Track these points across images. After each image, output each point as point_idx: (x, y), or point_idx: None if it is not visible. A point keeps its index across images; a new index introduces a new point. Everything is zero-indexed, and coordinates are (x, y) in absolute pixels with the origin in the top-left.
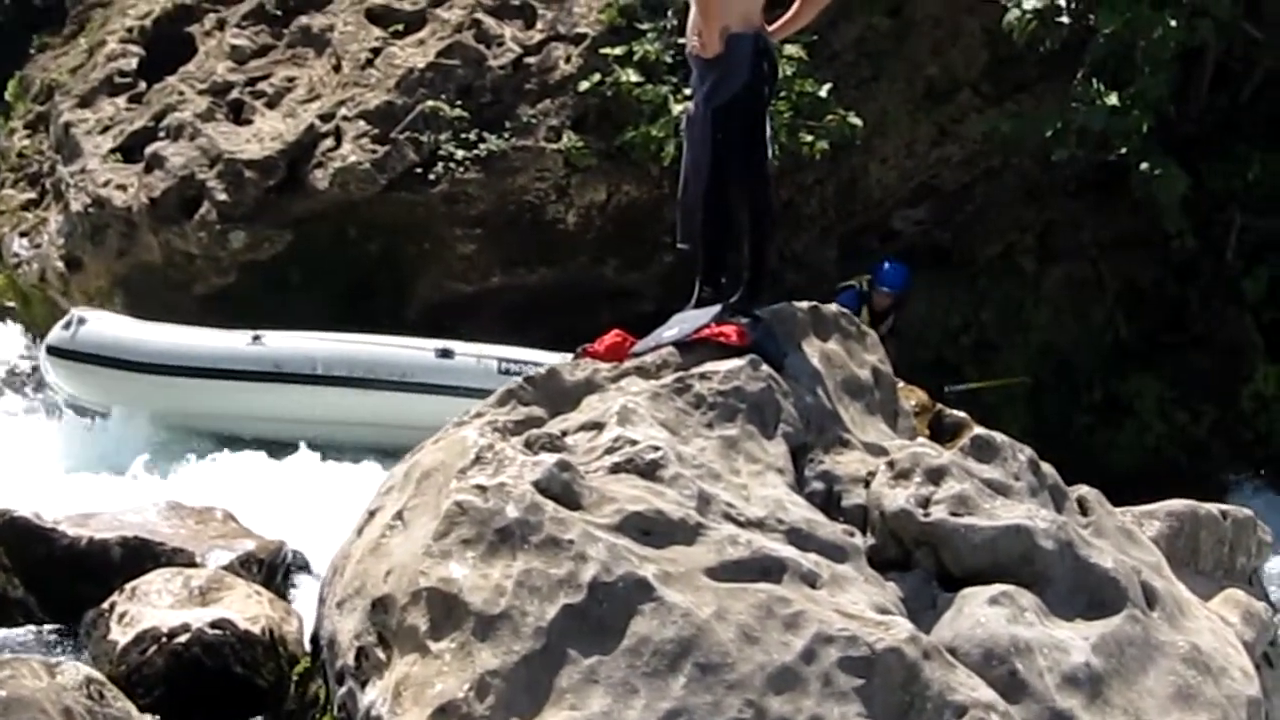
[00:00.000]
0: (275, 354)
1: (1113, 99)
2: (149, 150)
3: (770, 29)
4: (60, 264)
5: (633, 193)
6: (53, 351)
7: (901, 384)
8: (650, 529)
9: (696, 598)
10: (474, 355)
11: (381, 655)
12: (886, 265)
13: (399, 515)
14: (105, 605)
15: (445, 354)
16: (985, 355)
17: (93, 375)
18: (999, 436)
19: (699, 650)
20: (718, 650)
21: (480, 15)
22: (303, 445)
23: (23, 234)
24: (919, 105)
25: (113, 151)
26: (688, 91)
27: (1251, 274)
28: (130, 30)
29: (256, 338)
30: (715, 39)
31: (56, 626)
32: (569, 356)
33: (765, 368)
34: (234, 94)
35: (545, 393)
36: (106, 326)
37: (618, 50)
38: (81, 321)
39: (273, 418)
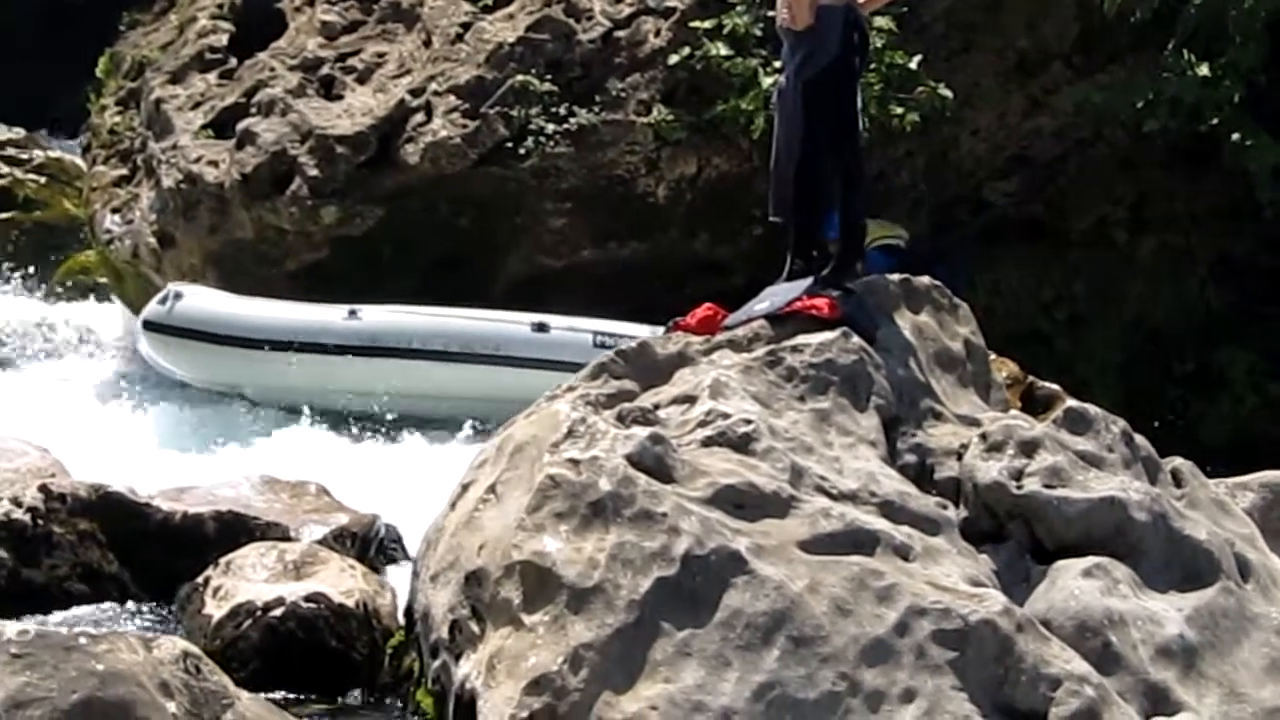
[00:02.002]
0: (371, 328)
1: (1204, 69)
2: (240, 126)
3: (861, 1)
4: (152, 240)
5: (723, 166)
6: (149, 326)
7: (993, 356)
8: (743, 502)
9: (789, 570)
10: (568, 329)
11: (475, 628)
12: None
13: (492, 489)
14: (200, 580)
15: (540, 328)
16: (1078, 328)
17: (188, 350)
18: (1092, 409)
19: (792, 623)
20: (811, 623)
21: None
22: (395, 420)
23: (115, 210)
24: (1010, 77)
25: (204, 128)
26: (777, 64)
27: None
28: (220, 6)
29: (352, 312)
30: (805, 11)
31: (151, 601)
32: (662, 330)
33: (857, 340)
34: (325, 69)
35: (637, 366)
36: (202, 301)
37: (707, 23)
38: (178, 296)
39: (368, 392)
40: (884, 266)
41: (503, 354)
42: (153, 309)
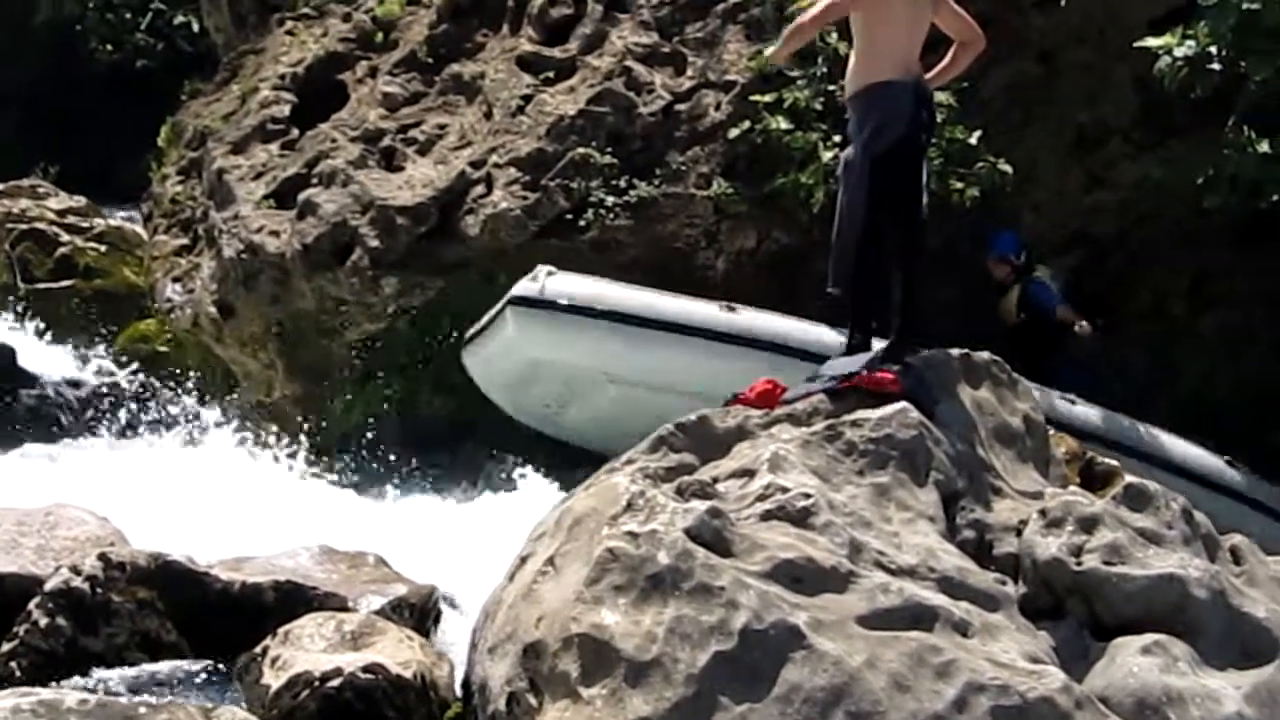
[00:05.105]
0: (750, 323)
1: (1265, 146)
2: (301, 197)
3: (926, 77)
4: (213, 310)
5: (783, 239)
6: (519, 302)
7: (1052, 431)
8: (801, 576)
9: (848, 645)
10: None
11: (533, 701)
12: (1000, 236)
13: (551, 561)
14: (258, 649)
15: None
16: (1136, 404)
17: (560, 325)
18: (1152, 485)
19: (850, 698)
20: (869, 698)
21: (630, 63)
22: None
23: (175, 279)
24: (1070, 152)
25: (265, 198)
26: (838, 139)
27: None
28: (283, 77)
29: (730, 308)
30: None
31: (209, 670)
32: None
33: (916, 415)
34: (386, 141)
35: (696, 439)
36: (577, 281)
37: (768, 97)
38: (550, 274)
39: (729, 384)
40: (1057, 300)
41: None
42: (523, 285)
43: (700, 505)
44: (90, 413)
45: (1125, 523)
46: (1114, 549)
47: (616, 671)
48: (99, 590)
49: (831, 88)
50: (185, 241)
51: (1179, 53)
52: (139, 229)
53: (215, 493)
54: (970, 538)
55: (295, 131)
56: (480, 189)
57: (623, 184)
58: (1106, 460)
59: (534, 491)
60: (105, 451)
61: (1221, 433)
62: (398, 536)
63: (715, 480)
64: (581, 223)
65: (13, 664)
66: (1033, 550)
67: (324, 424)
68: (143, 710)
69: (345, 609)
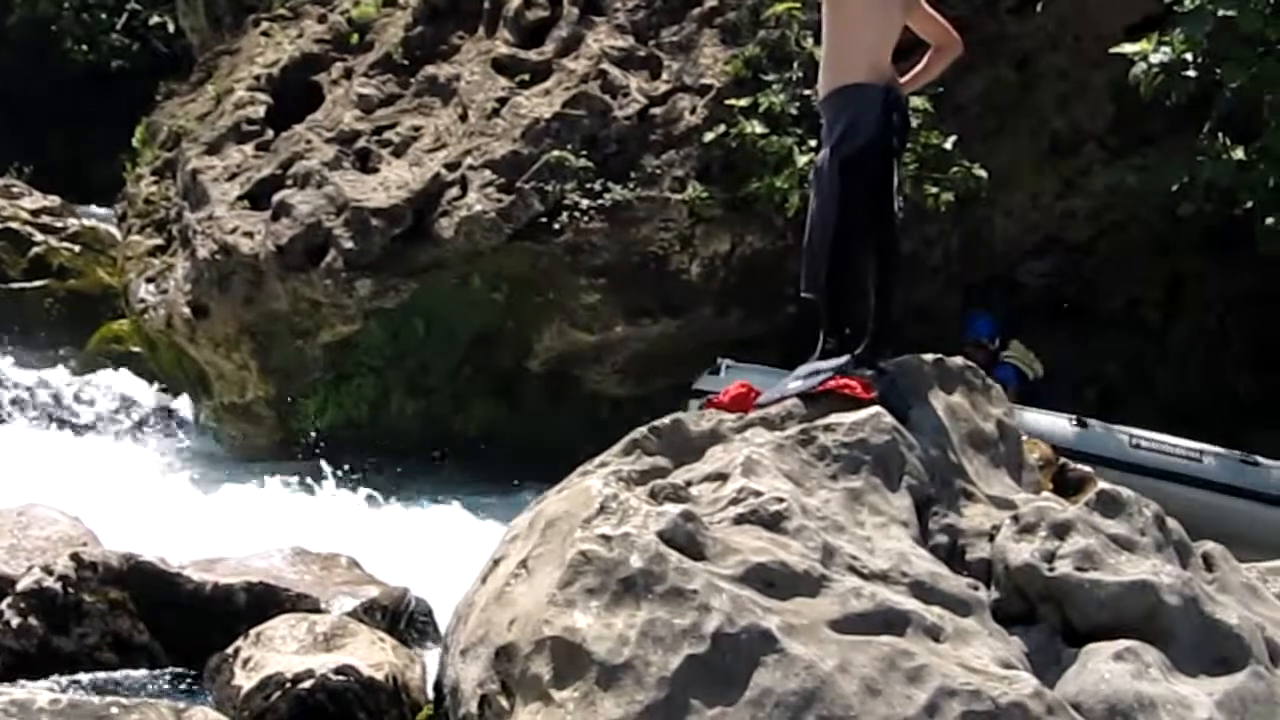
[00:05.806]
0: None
1: (1239, 153)
2: (276, 198)
3: (901, 81)
4: (187, 310)
5: (756, 244)
6: (702, 395)
7: (1025, 437)
8: (774, 580)
9: (820, 650)
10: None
11: (505, 703)
12: (976, 319)
13: (523, 564)
14: (230, 650)
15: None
16: (1110, 409)
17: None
18: (1125, 491)
19: (822, 702)
20: (841, 703)
21: (606, 66)
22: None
23: (149, 280)
24: (1045, 158)
25: (240, 199)
26: (812, 143)
27: None
28: (258, 78)
29: (1082, 422)
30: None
31: (180, 671)
32: None
33: (890, 420)
34: (361, 142)
35: (670, 443)
36: (756, 372)
37: (743, 101)
38: (729, 368)
39: None
40: (1012, 382)
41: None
42: (706, 379)
43: (673, 509)
44: (63, 413)
45: (1098, 529)
46: (1086, 555)
47: (588, 674)
48: (71, 590)
49: (806, 92)
50: (159, 242)
51: (1154, 59)
52: (113, 229)
53: (187, 493)
54: (943, 543)
55: (270, 132)
56: (455, 191)
57: (597, 187)
58: (1079, 466)
59: (507, 494)
60: (78, 451)
61: (1197, 436)
62: (370, 538)
63: (688, 484)
64: (556, 225)
65: None
66: (1005, 556)
67: (297, 425)
68: (114, 710)
69: (317, 610)
